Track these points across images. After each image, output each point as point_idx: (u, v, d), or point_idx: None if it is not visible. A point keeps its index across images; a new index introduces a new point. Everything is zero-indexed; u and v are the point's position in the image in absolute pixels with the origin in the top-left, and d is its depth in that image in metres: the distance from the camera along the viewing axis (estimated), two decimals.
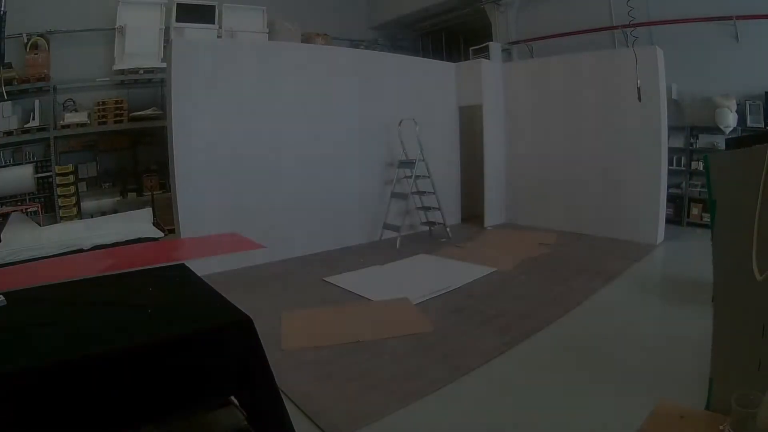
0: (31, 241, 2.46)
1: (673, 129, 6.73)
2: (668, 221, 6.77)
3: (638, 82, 5.09)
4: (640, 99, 5.16)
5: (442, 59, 10.00)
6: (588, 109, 6.65)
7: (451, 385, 2.92)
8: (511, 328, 3.69)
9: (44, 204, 6.98)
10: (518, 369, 3.14)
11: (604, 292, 4.48)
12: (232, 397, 1.79)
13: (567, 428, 2.48)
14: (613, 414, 2.49)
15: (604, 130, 6.55)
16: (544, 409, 2.65)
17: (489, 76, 7.26)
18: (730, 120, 6.25)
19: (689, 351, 2.79)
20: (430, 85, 7.34)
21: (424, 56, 10.38)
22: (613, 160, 6.51)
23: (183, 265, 2.22)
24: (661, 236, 6.24)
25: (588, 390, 2.80)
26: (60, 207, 6.96)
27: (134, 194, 7.75)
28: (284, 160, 5.95)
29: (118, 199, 7.64)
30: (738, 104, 6.28)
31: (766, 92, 6.20)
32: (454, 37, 10.47)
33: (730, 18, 6.34)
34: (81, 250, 2.40)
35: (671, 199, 6.92)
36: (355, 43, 9.77)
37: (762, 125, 6.15)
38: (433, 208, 6.76)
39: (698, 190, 6.72)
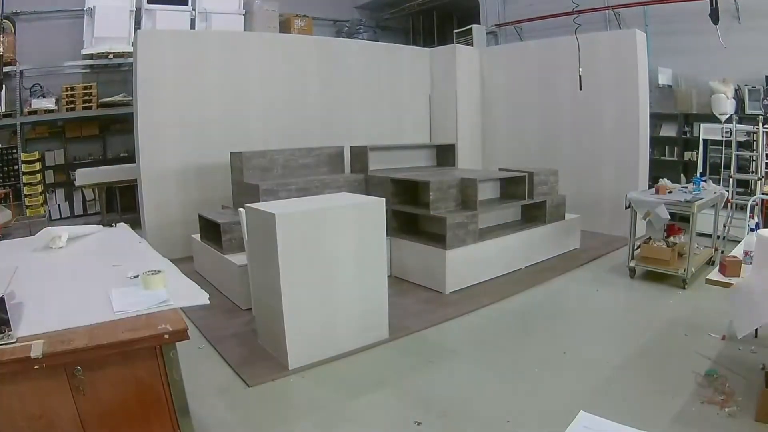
0: None
1: (665, 117, 6.29)
2: None
3: (579, 70, 4.66)
4: (581, 88, 4.73)
5: (432, 40, 9.59)
6: (563, 96, 6.11)
7: None
8: None
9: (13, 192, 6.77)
10: None
11: None
12: None
13: None
14: None
15: (580, 119, 6.06)
16: None
17: (464, 61, 6.82)
18: (726, 107, 5.79)
19: None
20: (400, 70, 6.88)
21: (413, 37, 9.96)
22: (589, 149, 6.03)
23: None
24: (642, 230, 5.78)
25: None
26: (25, 196, 6.77)
27: None
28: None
29: None
30: (736, 89, 5.82)
31: (766, 76, 5.73)
32: (446, 18, 9.98)
33: None
34: None
35: None
36: (338, 25, 9.37)
37: (762, 112, 5.68)
38: None
39: None
